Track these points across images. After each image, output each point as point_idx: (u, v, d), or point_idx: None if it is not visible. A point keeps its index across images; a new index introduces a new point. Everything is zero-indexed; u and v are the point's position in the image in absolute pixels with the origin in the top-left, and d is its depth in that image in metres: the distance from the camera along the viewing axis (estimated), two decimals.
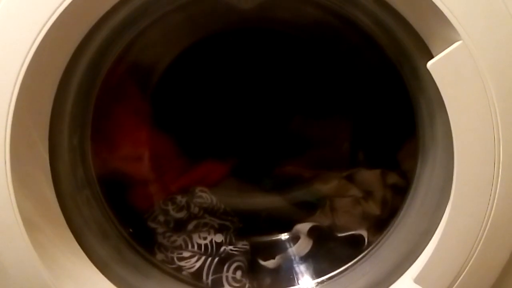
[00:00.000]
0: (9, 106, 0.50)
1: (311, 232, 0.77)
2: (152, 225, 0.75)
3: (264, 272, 0.74)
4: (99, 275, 0.59)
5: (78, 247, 0.59)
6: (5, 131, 0.51)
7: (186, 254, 0.72)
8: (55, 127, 0.58)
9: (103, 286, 0.59)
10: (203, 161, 0.82)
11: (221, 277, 0.70)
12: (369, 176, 0.79)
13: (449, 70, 0.49)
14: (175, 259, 0.71)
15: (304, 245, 0.77)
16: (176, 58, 0.79)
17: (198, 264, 0.71)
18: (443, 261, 0.55)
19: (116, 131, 0.74)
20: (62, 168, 0.60)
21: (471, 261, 0.53)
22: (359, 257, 0.68)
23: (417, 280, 0.56)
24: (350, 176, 0.81)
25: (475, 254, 0.53)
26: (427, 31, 0.52)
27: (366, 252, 0.68)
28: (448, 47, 0.49)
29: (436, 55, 0.50)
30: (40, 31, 0.49)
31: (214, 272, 0.71)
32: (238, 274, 0.71)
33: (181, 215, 0.76)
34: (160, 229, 0.74)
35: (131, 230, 0.69)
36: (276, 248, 0.78)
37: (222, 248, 0.73)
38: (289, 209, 0.84)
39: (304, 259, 0.76)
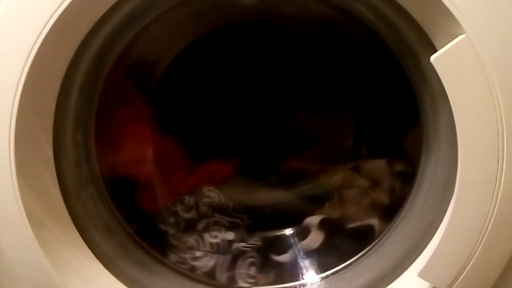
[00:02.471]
0: (13, 104, 0.50)
1: (321, 225, 0.77)
2: (163, 227, 0.75)
3: (268, 267, 0.74)
4: (104, 270, 0.60)
5: (83, 243, 0.60)
6: (10, 128, 0.51)
7: (198, 253, 0.72)
8: (59, 124, 0.58)
9: (107, 282, 0.59)
10: (208, 160, 0.82)
11: (235, 274, 0.70)
12: (375, 166, 0.79)
13: (452, 64, 0.49)
14: (188, 259, 0.71)
15: (315, 238, 0.76)
16: (179, 54, 0.79)
17: (211, 263, 0.71)
18: (447, 256, 0.55)
19: (120, 137, 0.74)
20: (66, 165, 0.60)
21: (476, 255, 0.53)
22: (364, 251, 0.68)
23: (421, 275, 0.56)
24: (356, 167, 0.81)
25: (479, 248, 0.53)
26: (431, 25, 0.52)
27: (370, 246, 0.68)
28: (452, 40, 0.48)
29: (439, 49, 0.49)
30: (43, 28, 0.49)
31: (228, 270, 0.71)
32: (252, 270, 0.71)
33: (190, 215, 0.76)
34: (171, 231, 0.74)
35: (135, 226, 0.70)
36: (287, 243, 0.78)
37: (234, 246, 0.73)
38: (297, 204, 0.84)
39: (309, 254, 0.76)
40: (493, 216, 0.52)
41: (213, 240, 0.73)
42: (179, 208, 0.76)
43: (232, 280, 0.70)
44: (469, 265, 0.54)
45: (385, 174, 0.77)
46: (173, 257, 0.71)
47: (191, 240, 0.73)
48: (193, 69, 0.81)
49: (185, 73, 0.81)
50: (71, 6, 0.49)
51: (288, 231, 0.80)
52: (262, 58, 0.81)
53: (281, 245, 0.77)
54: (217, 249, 0.73)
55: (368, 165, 0.80)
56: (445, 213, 0.56)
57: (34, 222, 0.54)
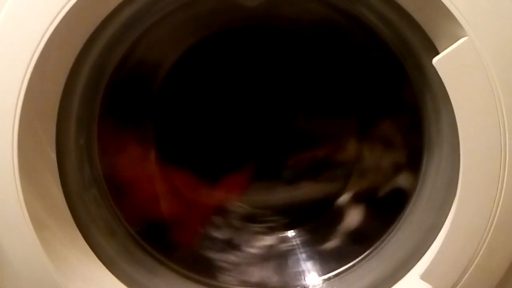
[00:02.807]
0: (16, 106, 0.50)
1: (353, 202, 0.76)
2: (206, 254, 0.74)
3: (270, 269, 0.74)
4: (106, 272, 0.60)
5: (86, 244, 0.60)
6: (13, 131, 0.51)
7: (244, 268, 0.72)
8: (62, 127, 0.58)
9: (110, 283, 0.59)
10: (221, 177, 0.82)
11: (285, 277, 0.70)
12: (381, 128, 0.77)
13: (454, 66, 0.49)
14: (237, 276, 0.71)
15: (352, 217, 0.75)
16: (181, 56, 0.79)
17: (259, 273, 0.71)
18: (449, 257, 0.54)
19: (132, 186, 0.74)
20: (69, 167, 0.60)
21: (478, 257, 0.53)
22: (366, 253, 0.68)
23: (423, 277, 0.56)
24: (362, 136, 0.80)
25: (482, 250, 0.53)
26: (433, 27, 0.52)
27: (372, 248, 0.68)
28: (454, 43, 0.48)
29: (441, 51, 0.50)
30: (46, 31, 0.49)
31: (277, 275, 0.71)
32: (302, 266, 0.71)
33: (224, 234, 0.76)
34: (213, 254, 0.74)
35: (138, 228, 0.70)
36: (326, 230, 0.77)
37: (276, 249, 0.73)
38: (321, 190, 0.82)
39: (311, 255, 0.75)
40: (496, 218, 0.52)
41: (254, 251, 0.73)
42: (211, 231, 0.76)
43: (284, 284, 0.70)
44: (472, 267, 0.54)
45: (394, 132, 0.75)
46: (224, 279, 0.70)
47: (233, 257, 0.73)
48: (195, 71, 0.81)
49: (187, 74, 0.81)
50: (73, 8, 0.49)
51: (323, 219, 0.78)
52: (264, 60, 0.81)
53: (322, 234, 0.76)
54: (260, 258, 0.72)
55: (374, 130, 0.78)
56: (447, 215, 0.56)
57: (37, 223, 0.54)
